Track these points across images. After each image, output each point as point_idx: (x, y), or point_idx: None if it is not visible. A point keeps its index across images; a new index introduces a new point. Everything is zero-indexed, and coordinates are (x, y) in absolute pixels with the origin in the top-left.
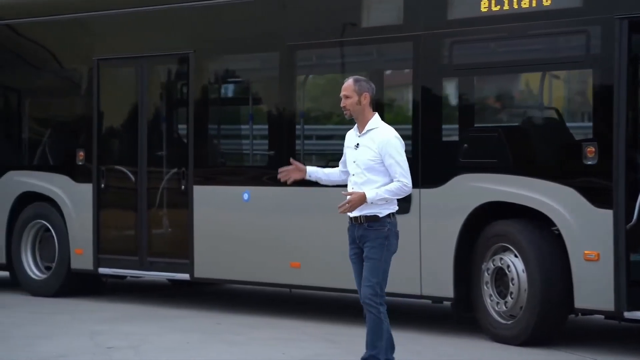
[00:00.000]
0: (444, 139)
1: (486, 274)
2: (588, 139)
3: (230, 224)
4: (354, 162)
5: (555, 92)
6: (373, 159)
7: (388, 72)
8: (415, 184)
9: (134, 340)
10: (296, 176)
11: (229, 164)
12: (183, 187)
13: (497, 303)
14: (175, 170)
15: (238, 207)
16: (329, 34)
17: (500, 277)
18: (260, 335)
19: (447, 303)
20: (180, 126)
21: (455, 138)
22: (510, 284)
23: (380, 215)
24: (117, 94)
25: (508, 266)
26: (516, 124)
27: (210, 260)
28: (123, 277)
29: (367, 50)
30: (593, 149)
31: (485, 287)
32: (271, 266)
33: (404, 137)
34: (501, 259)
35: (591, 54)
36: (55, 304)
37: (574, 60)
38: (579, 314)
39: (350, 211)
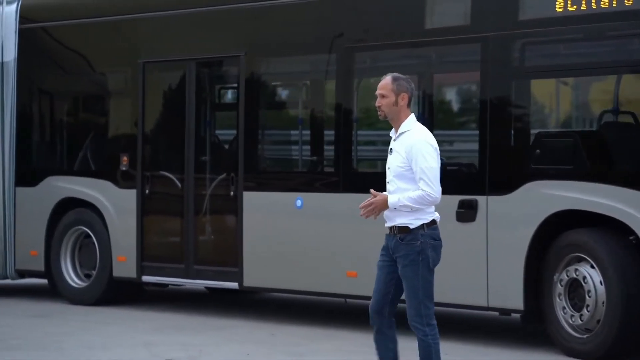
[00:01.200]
0: (514, 144)
1: (559, 285)
2: None
3: (282, 231)
4: (388, 168)
5: (635, 95)
6: (402, 165)
7: (453, 74)
8: (482, 191)
9: (192, 351)
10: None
11: (281, 169)
12: (232, 193)
13: (572, 316)
14: (224, 175)
15: (291, 214)
16: (389, 36)
17: (575, 289)
18: (321, 347)
19: (514, 315)
20: (229, 130)
21: (526, 143)
22: (587, 296)
23: (412, 227)
24: (164, 97)
25: (584, 277)
26: (593, 128)
27: (261, 269)
28: (164, 285)
29: (431, 52)
30: None
31: (557, 299)
32: (326, 275)
33: (469, 142)
34: (576, 270)
35: None
36: (100, 312)
37: None
38: None
39: (373, 215)
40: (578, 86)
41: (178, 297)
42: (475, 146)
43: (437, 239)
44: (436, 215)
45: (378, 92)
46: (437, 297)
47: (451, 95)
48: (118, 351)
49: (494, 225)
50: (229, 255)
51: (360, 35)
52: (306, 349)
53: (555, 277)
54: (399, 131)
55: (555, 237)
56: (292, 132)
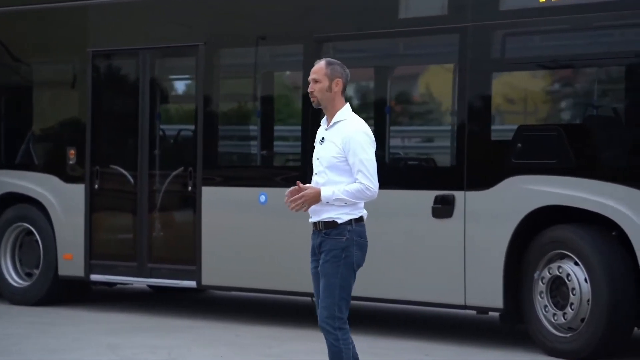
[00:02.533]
0: (494, 138)
1: (540, 283)
2: None
3: (244, 227)
4: (318, 159)
5: (622, 87)
6: (337, 156)
7: (429, 66)
8: (460, 186)
9: (161, 354)
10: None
11: (244, 164)
12: (190, 188)
13: (554, 315)
14: (180, 170)
15: (254, 210)
16: (362, 25)
17: (557, 287)
18: (293, 348)
19: (492, 314)
20: (187, 124)
21: (507, 137)
22: (571, 294)
23: (339, 222)
24: (115, 88)
25: (568, 275)
26: (577, 122)
27: (221, 267)
28: (112, 284)
29: (405, 43)
30: None
31: (539, 298)
32: (292, 273)
33: (446, 136)
34: (559, 267)
35: None
36: (47, 313)
37: None
38: None
39: (302, 209)
40: (560, 79)
41: (125, 296)
42: (452, 140)
43: (363, 237)
44: (364, 212)
45: (310, 77)
46: (412, 295)
47: (427, 88)
48: (83, 354)
49: (472, 222)
50: (186, 253)
51: (330, 24)
52: (279, 350)
53: (536, 275)
54: (334, 120)
55: (536, 233)
56: (256, 125)
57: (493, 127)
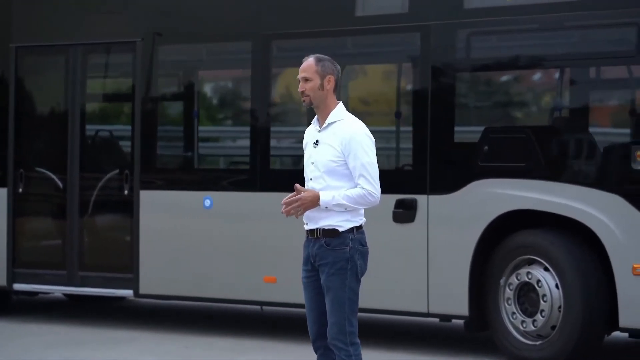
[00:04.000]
0: (458, 140)
1: (507, 289)
2: (639, 141)
3: (187, 233)
4: (312, 163)
5: (591, 88)
6: (335, 160)
7: (389, 65)
8: (422, 190)
9: None
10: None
11: (186, 166)
12: (126, 192)
13: (523, 322)
14: (115, 173)
15: (198, 215)
16: (315, 22)
17: (525, 293)
18: (254, 358)
19: (455, 322)
20: (122, 124)
21: (473, 139)
22: (541, 301)
23: (341, 230)
24: (42, 86)
25: (538, 281)
26: (546, 124)
27: (160, 275)
28: (34, 294)
29: (363, 41)
30: None
31: (506, 304)
32: (240, 281)
33: (408, 138)
34: (529, 273)
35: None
36: None
37: (618, 56)
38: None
39: (297, 214)
40: (528, 79)
41: (49, 306)
42: (414, 142)
43: (364, 244)
44: (364, 219)
45: (300, 75)
46: (373, 303)
47: (388, 88)
48: None
49: (436, 226)
50: (122, 260)
51: (281, 21)
52: None
53: (502, 281)
54: (328, 120)
55: (502, 239)
56: (200, 125)
57: (457, 129)
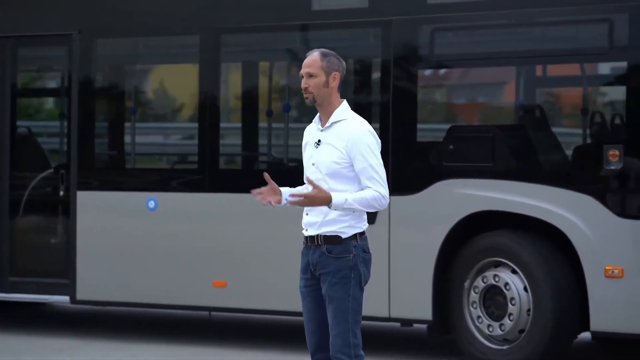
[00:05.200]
0: (421, 139)
1: (473, 292)
2: (611, 140)
3: (129, 236)
4: (314, 164)
5: (559, 85)
6: (339, 162)
7: (349, 62)
8: None
9: None
10: (273, 200)
11: (128, 166)
12: (62, 192)
13: (489, 326)
14: (49, 172)
15: (141, 217)
16: (268, 16)
17: (492, 297)
18: None
19: (417, 326)
20: (57, 120)
21: (437, 138)
22: (509, 304)
23: (344, 236)
24: None
25: (506, 284)
26: (515, 122)
27: (100, 280)
28: None
29: (321, 36)
30: (617, 152)
31: (471, 308)
32: (188, 286)
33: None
34: (495, 275)
35: (615, 46)
36: None
37: (588, 53)
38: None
39: (304, 204)
40: (493, 77)
41: None
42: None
43: (367, 251)
44: (367, 224)
45: (304, 70)
46: None
47: (347, 85)
48: None
49: (398, 228)
50: (57, 265)
51: (235, 15)
52: None
53: (466, 284)
54: (331, 119)
55: (466, 241)
56: (143, 122)
57: (420, 127)
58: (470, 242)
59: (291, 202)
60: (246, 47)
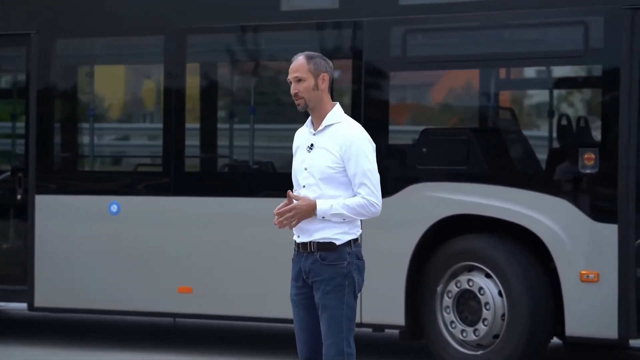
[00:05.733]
0: (393, 142)
1: (446, 297)
2: (587, 144)
3: (90, 241)
4: (306, 169)
5: (537, 88)
6: (333, 166)
7: None
8: None
9: None
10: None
11: (90, 168)
12: (19, 196)
13: (463, 331)
14: (6, 175)
15: (103, 221)
16: (236, 16)
17: (465, 301)
18: None
19: (389, 332)
20: (15, 122)
21: (410, 141)
22: (484, 309)
23: (338, 243)
24: None
25: (480, 288)
26: (490, 125)
27: (59, 287)
28: None
29: (290, 37)
30: (593, 156)
31: (444, 313)
32: (152, 292)
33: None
34: (469, 280)
35: (590, 48)
36: None
37: (564, 56)
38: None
39: (291, 224)
40: (467, 79)
41: None
42: None
43: (361, 258)
44: (361, 230)
45: (292, 76)
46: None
47: None
48: None
49: (371, 232)
50: (14, 271)
51: (199, 15)
52: None
53: (439, 289)
54: (325, 123)
55: (439, 245)
56: (103, 125)
57: (393, 129)
58: (443, 246)
59: (280, 225)
60: (213, 48)
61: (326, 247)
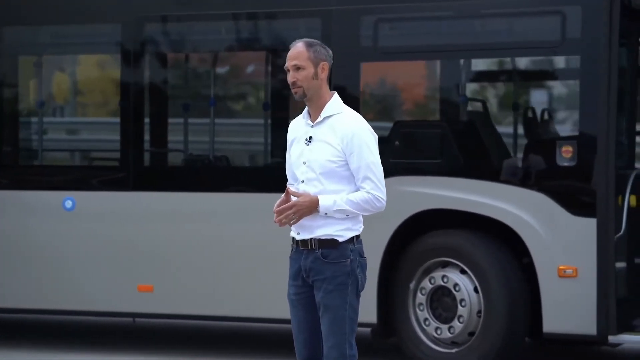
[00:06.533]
0: None
1: (419, 294)
2: (565, 137)
3: (43, 239)
4: (305, 163)
5: (513, 80)
6: (334, 160)
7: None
8: None
9: None
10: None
11: (41, 162)
12: None
13: (437, 329)
14: None
15: (57, 217)
16: (198, 5)
17: (439, 298)
18: None
19: (360, 329)
20: None
21: (381, 134)
22: (459, 306)
23: (340, 240)
24: None
25: (455, 285)
26: (464, 118)
27: (13, 286)
28: None
29: (256, 27)
30: (571, 149)
31: (417, 310)
32: (109, 291)
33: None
34: (444, 276)
35: (568, 39)
36: None
37: (540, 46)
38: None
39: (292, 222)
40: (438, 70)
41: None
42: None
43: (363, 255)
44: (362, 226)
45: (290, 64)
46: (270, 312)
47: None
48: None
49: None
50: None
51: (156, 3)
52: None
53: (412, 285)
54: (323, 114)
55: (411, 240)
56: (61, 116)
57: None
58: (416, 241)
59: (280, 223)
60: (173, 37)
61: (328, 244)
